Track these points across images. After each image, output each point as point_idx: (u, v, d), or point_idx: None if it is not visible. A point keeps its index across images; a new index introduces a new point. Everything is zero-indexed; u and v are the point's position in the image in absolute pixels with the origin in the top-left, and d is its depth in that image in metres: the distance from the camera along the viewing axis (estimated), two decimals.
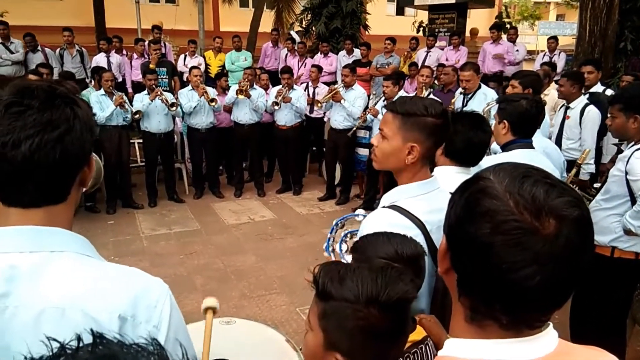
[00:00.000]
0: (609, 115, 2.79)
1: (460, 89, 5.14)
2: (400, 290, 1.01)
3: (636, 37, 7.48)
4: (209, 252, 5.07)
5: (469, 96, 4.82)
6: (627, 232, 2.61)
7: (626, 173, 2.60)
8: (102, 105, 5.84)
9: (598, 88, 4.86)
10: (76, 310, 0.85)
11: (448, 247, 0.76)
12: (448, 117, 1.55)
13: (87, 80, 7.99)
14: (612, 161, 4.63)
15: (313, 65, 7.40)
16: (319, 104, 6.44)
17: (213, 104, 6.33)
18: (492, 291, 0.69)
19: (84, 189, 1.00)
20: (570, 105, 4.36)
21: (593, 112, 4.27)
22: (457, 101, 5.06)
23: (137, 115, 6.08)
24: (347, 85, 6.33)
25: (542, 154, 2.78)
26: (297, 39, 9.73)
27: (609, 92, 4.77)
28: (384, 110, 1.63)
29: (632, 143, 2.68)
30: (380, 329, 0.99)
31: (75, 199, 0.96)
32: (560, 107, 4.59)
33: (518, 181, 0.70)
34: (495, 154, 3.03)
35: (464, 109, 4.83)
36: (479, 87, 4.87)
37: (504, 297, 0.69)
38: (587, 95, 4.58)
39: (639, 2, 7.32)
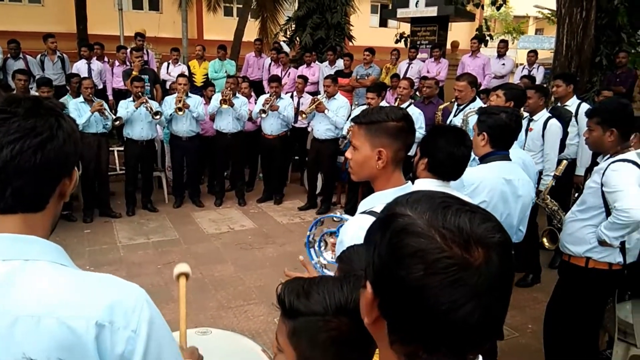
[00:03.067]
0: (586, 127, 2.84)
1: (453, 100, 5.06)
2: None
3: (611, 51, 7.64)
4: (188, 261, 4.92)
5: (462, 107, 4.76)
6: (602, 242, 2.65)
7: (602, 185, 2.64)
8: (80, 113, 5.76)
9: (574, 102, 4.91)
10: (52, 318, 0.84)
11: (375, 295, 0.69)
12: (410, 120, 1.65)
13: (68, 87, 7.89)
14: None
15: (299, 76, 7.42)
16: (304, 115, 6.45)
17: (181, 113, 6.24)
18: (434, 335, 0.64)
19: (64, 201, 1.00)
20: (534, 117, 4.41)
21: (555, 125, 4.32)
22: (453, 108, 5.00)
23: (118, 122, 6.02)
24: (330, 95, 6.38)
25: (520, 165, 2.83)
26: (287, 49, 9.75)
27: (585, 105, 4.84)
28: None
29: (608, 156, 2.73)
30: (352, 337, 0.98)
31: (54, 211, 0.96)
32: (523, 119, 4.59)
33: (440, 213, 0.66)
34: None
35: (454, 117, 4.84)
36: (474, 99, 4.72)
37: (447, 339, 0.64)
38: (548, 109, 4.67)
39: (614, 19, 7.51)
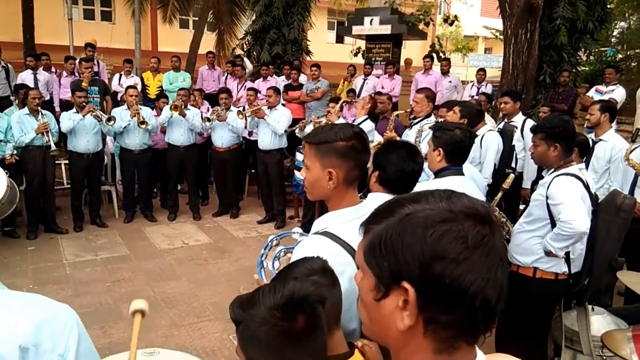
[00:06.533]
0: (531, 143, 2.96)
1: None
2: (296, 290, 1.06)
3: (554, 71, 8.08)
4: (138, 278, 4.83)
5: (417, 120, 4.74)
6: (548, 253, 2.75)
7: (547, 197, 2.74)
8: (24, 126, 5.51)
9: (519, 118, 5.13)
10: None
11: (418, 296, 0.69)
12: (362, 139, 1.60)
13: (12, 98, 7.54)
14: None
15: (249, 88, 7.40)
16: (241, 115, 6.38)
17: (143, 126, 6.11)
18: (477, 310, 0.69)
19: None
20: (478, 132, 4.56)
21: (492, 135, 4.49)
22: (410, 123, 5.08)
23: (55, 152, 5.69)
24: (271, 106, 6.38)
25: (470, 179, 2.91)
26: (249, 64, 9.69)
27: (530, 122, 5.05)
28: None
29: (552, 170, 2.85)
30: (286, 328, 1.04)
31: None
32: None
33: (451, 198, 0.73)
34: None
35: (408, 130, 4.89)
36: (429, 115, 4.68)
37: (487, 311, 0.70)
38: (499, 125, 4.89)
39: (555, 39, 7.95)
